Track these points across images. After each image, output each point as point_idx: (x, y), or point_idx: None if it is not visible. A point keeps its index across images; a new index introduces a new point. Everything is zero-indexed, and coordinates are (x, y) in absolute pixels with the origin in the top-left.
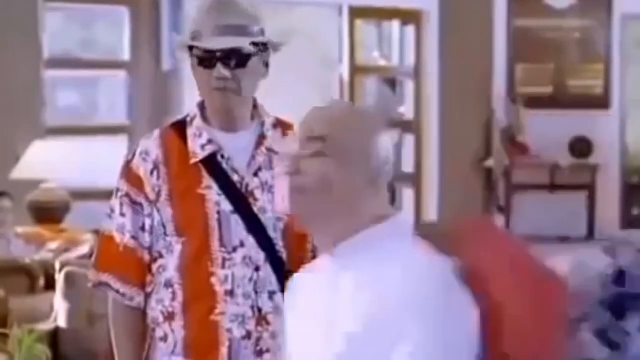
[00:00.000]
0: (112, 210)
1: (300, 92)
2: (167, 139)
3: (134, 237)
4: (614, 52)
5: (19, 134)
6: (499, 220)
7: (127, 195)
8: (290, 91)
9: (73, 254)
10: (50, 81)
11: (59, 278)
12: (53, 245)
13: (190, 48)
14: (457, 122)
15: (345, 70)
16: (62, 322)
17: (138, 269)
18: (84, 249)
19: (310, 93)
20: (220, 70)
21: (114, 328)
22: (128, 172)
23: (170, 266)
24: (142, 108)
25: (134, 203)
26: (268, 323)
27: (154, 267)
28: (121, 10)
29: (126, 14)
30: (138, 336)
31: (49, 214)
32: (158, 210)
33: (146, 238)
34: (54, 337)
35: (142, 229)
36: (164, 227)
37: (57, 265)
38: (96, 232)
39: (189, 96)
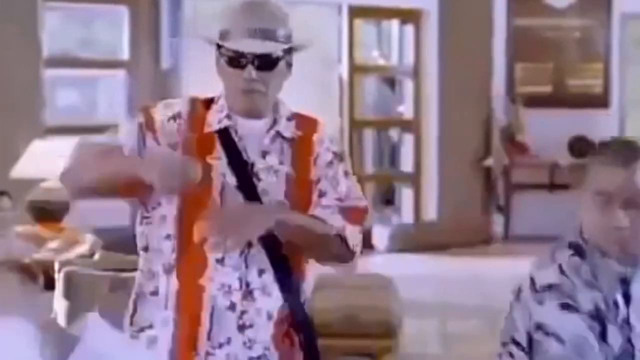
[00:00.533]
0: (118, 132)
1: (300, 91)
2: (194, 104)
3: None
4: (613, 51)
5: (18, 133)
6: (499, 219)
7: (140, 125)
8: (289, 90)
9: (73, 253)
10: (50, 80)
11: (59, 277)
12: (53, 244)
13: (218, 46)
14: (457, 121)
15: (344, 69)
16: (61, 322)
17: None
18: (84, 249)
19: (309, 92)
20: (251, 72)
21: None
22: (145, 111)
23: (169, 218)
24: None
25: (143, 135)
26: (254, 298)
27: (155, 214)
28: (120, 10)
29: (125, 13)
30: None
31: (48, 213)
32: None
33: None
34: None
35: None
36: None
37: (57, 265)
38: (98, 231)
39: (188, 95)
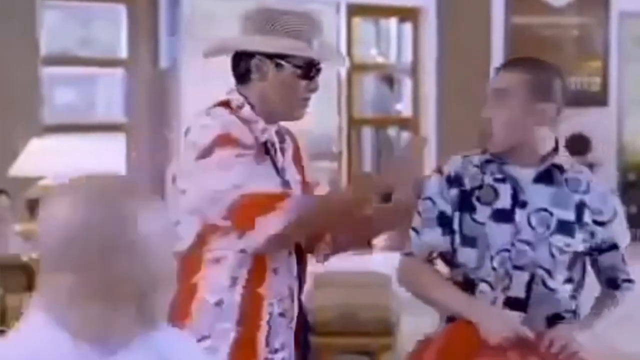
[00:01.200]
0: (250, 174)
1: None
2: (238, 117)
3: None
4: (611, 49)
5: (16, 131)
6: None
7: (250, 154)
8: None
9: None
10: (48, 79)
11: None
12: None
13: (279, 57)
14: (455, 119)
15: (342, 67)
16: None
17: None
18: None
19: None
20: (318, 81)
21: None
22: (234, 141)
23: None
24: (139, 106)
25: (255, 162)
26: (294, 302)
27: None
28: (119, 8)
29: (123, 12)
30: None
31: None
32: None
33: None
34: None
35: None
36: None
37: None
38: None
39: (187, 94)
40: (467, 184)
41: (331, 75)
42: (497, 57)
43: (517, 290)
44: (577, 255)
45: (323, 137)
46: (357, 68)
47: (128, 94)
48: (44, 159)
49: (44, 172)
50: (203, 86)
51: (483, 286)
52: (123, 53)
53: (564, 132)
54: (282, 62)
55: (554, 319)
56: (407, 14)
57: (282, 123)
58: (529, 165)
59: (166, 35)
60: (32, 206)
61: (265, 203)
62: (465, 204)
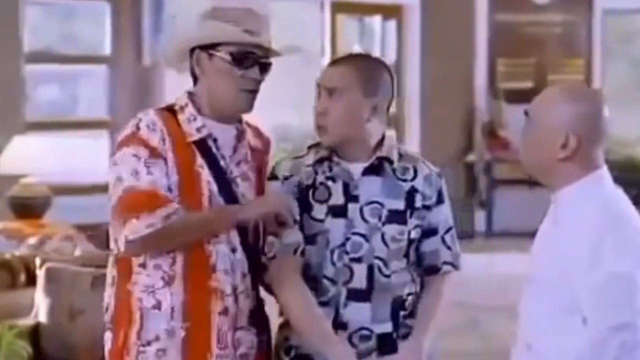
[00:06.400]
0: (137, 172)
1: (281, 86)
2: (164, 117)
3: (169, 189)
4: (594, 47)
5: None
6: (480, 215)
7: (150, 156)
8: (271, 85)
9: (53, 249)
10: (31, 76)
11: (40, 273)
12: (33, 240)
13: (211, 47)
14: (439, 116)
15: (326, 64)
16: (42, 318)
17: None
18: (65, 244)
19: (291, 87)
20: (257, 71)
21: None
22: (140, 140)
23: None
24: (122, 103)
25: (157, 165)
26: (239, 302)
27: None
28: (102, 5)
29: (107, 9)
30: None
31: (29, 209)
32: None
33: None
34: (35, 333)
35: (169, 188)
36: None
37: (38, 261)
38: (79, 227)
39: (170, 91)
40: (303, 183)
41: (315, 72)
42: (481, 54)
43: (359, 282)
44: (412, 242)
45: (307, 134)
46: None
47: (111, 91)
48: (27, 156)
49: (27, 169)
50: (187, 84)
51: (325, 282)
52: (106, 50)
53: None
54: (214, 52)
55: (397, 305)
56: (391, 11)
57: (257, 126)
58: (359, 159)
59: (150, 33)
60: (15, 204)
61: (138, 205)
62: (303, 203)
